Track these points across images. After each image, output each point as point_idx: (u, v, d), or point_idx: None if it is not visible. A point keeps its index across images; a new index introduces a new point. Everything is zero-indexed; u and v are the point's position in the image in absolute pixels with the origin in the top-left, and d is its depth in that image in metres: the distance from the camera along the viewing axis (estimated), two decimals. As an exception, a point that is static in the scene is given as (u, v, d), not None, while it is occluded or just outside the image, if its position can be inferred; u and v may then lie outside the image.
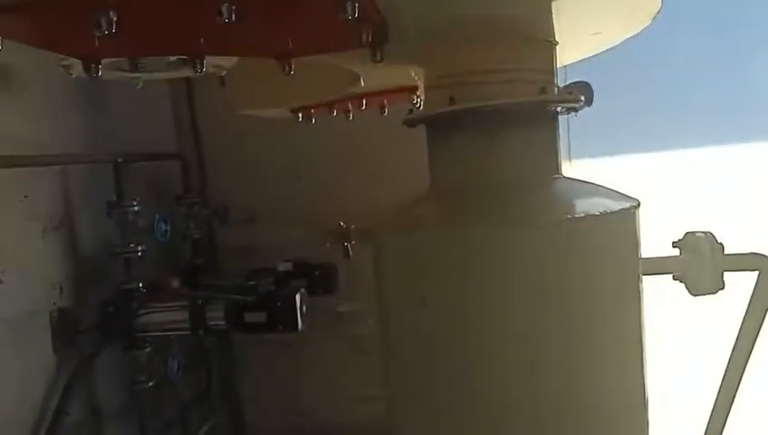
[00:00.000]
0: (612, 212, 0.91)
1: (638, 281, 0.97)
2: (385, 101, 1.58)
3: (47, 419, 1.90)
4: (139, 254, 2.18)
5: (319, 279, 2.60)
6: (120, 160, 2.14)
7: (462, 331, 0.91)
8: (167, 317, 2.17)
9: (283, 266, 2.57)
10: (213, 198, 2.83)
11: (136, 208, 2.15)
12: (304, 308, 2.18)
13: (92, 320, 2.10)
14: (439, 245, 0.90)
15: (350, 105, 1.58)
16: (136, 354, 2.19)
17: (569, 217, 0.88)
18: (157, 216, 2.21)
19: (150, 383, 2.22)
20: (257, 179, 2.92)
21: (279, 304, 2.08)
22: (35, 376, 1.90)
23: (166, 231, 2.24)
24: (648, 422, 0.99)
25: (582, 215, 0.89)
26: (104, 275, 2.24)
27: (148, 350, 2.21)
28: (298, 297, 2.12)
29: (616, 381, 1.00)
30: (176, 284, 2.35)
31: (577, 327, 0.89)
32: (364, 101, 1.51)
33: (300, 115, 1.57)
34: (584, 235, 0.88)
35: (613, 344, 0.93)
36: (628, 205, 0.95)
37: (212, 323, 2.15)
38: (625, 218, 0.94)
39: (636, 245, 0.97)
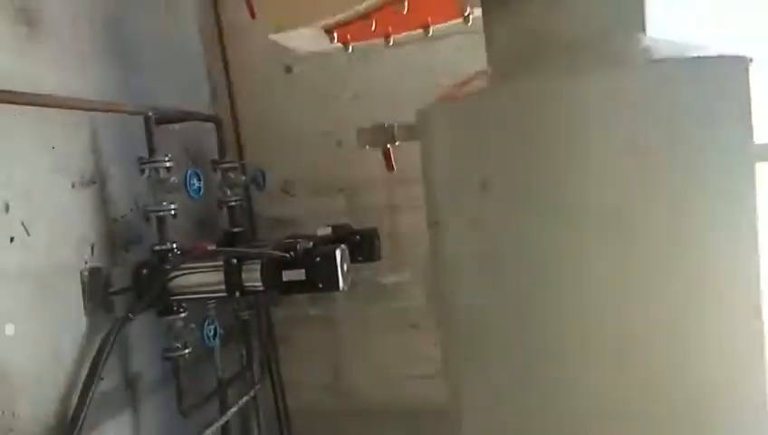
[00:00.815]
0: (710, 59, 0.71)
1: (749, 161, 0.76)
2: (429, 19, 1.42)
3: (80, 381, 1.81)
4: (173, 213, 2.07)
5: (360, 245, 2.44)
6: (150, 114, 2.04)
7: (537, 216, 0.73)
8: (201, 279, 2.05)
9: (322, 232, 2.43)
10: (250, 164, 2.72)
11: (168, 164, 2.04)
12: (345, 267, 2.03)
13: (125, 282, 2.01)
14: (504, 108, 0.73)
15: (390, 26, 1.42)
16: (170, 320, 2.09)
17: (654, 59, 0.69)
18: (189, 170, 2.10)
19: (186, 351, 2.11)
20: (296, 146, 2.80)
21: (318, 259, 1.93)
22: (67, 336, 1.81)
23: (199, 188, 2.13)
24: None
25: (671, 59, 0.69)
26: (138, 238, 2.16)
27: (183, 315, 2.10)
28: (338, 253, 1.97)
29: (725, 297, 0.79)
30: (211, 249, 2.24)
31: (673, 203, 0.70)
32: (405, 14, 1.35)
33: (335, 37, 1.42)
34: (673, 81, 0.69)
35: (720, 235, 0.73)
36: (733, 60, 0.75)
37: (248, 284, 2.02)
38: (729, 73, 0.74)
39: (746, 110, 0.76)
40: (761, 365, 0.77)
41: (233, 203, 2.56)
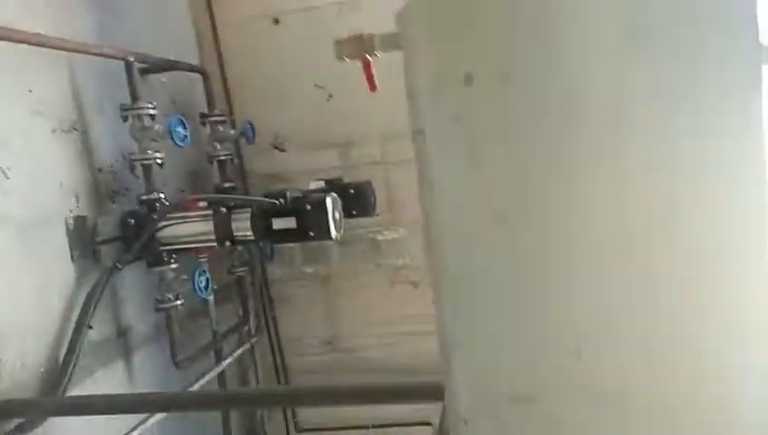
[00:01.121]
0: None
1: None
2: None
3: (69, 330, 1.78)
4: (159, 161, 2.03)
5: (354, 199, 2.40)
6: (131, 59, 1.98)
7: (528, 103, 0.68)
8: (190, 229, 2.02)
9: (315, 185, 2.39)
10: (239, 118, 2.66)
11: (151, 111, 1.99)
12: (337, 215, 1.99)
13: (112, 232, 1.97)
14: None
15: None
16: (161, 271, 2.06)
17: None
18: (172, 118, 2.04)
19: (179, 302, 2.09)
20: (286, 100, 2.74)
21: (309, 207, 1.89)
22: (53, 286, 1.78)
23: (185, 136, 2.08)
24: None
25: None
26: (125, 189, 2.12)
27: (174, 266, 2.07)
28: (329, 200, 1.92)
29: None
30: (203, 205, 2.20)
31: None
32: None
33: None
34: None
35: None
36: None
37: (238, 233, 1.98)
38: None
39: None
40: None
41: (223, 157, 2.51)
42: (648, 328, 0.70)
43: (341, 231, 2.01)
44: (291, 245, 2.89)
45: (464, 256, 0.80)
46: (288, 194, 1.91)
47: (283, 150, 2.78)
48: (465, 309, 0.82)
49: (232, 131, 2.52)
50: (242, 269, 2.62)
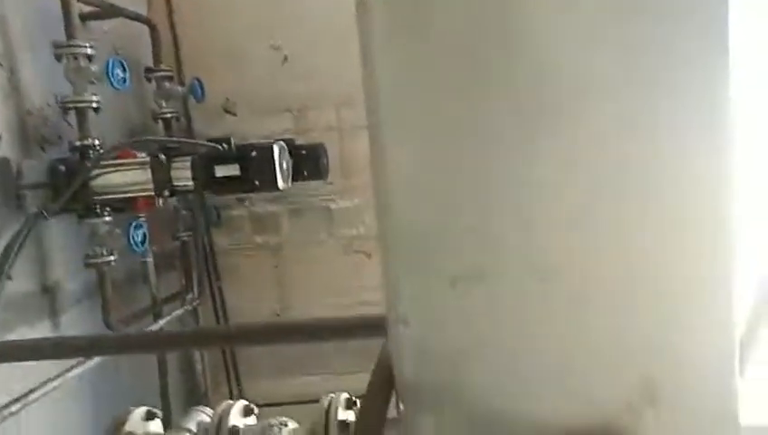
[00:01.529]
0: None
1: None
2: None
3: (-16, 279, 1.64)
4: (94, 106, 1.90)
5: (305, 160, 2.31)
6: (67, -7, 1.85)
7: None
8: (126, 178, 1.90)
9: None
10: (187, 77, 2.54)
11: (89, 51, 1.86)
12: (285, 164, 1.90)
13: (39, 177, 1.83)
14: None
15: None
16: (93, 224, 1.92)
17: None
18: (110, 59, 1.92)
19: (111, 258, 1.95)
20: (238, 60, 2.63)
21: (254, 153, 1.80)
22: (-32, 229, 1.64)
23: (123, 79, 1.96)
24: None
25: None
26: (56, 138, 1.98)
27: (107, 219, 1.94)
28: (276, 147, 1.83)
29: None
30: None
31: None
32: None
33: None
34: None
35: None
36: None
37: (179, 183, 1.87)
38: None
39: None
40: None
41: (168, 115, 2.39)
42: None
43: (289, 183, 1.92)
44: (239, 212, 2.78)
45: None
46: (232, 141, 1.81)
47: (234, 114, 2.67)
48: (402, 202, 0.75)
49: (179, 88, 2.40)
50: (186, 234, 2.49)
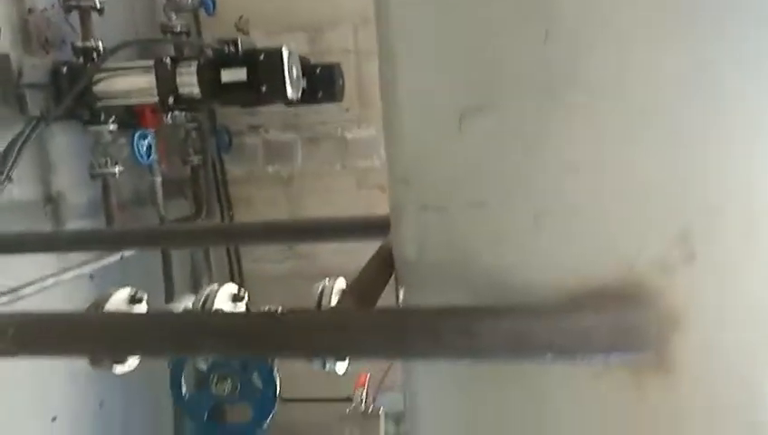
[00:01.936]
0: None
1: None
2: None
3: (-17, 178, 1.58)
4: (98, 6, 1.81)
5: (320, 80, 2.20)
6: None
7: None
8: (130, 82, 1.81)
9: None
10: (198, -9, 2.42)
11: (91, -54, 1.76)
12: (295, 73, 1.79)
13: (41, 78, 1.76)
14: None
15: None
16: (97, 131, 1.85)
17: None
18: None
19: (117, 169, 1.89)
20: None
21: (262, 57, 1.69)
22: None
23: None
24: None
25: None
26: (60, 41, 1.89)
27: (112, 127, 1.86)
28: (285, 51, 1.73)
29: None
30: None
31: None
32: None
33: None
34: None
35: None
36: None
37: (184, 89, 1.78)
38: None
39: None
40: None
41: (178, 29, 2.28)
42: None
43: (299, 91, 1.82)
44: (252, 140, 2.70)
45: None
46: (240, 42, 1.71)
47: (246, 33, 2.55)
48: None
49: (189, 0, 2.29)
50: (197, 158, 2.42)
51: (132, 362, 0.87)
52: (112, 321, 0.59)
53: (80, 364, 2.01)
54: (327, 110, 2.47)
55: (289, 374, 2.62)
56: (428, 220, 0.62)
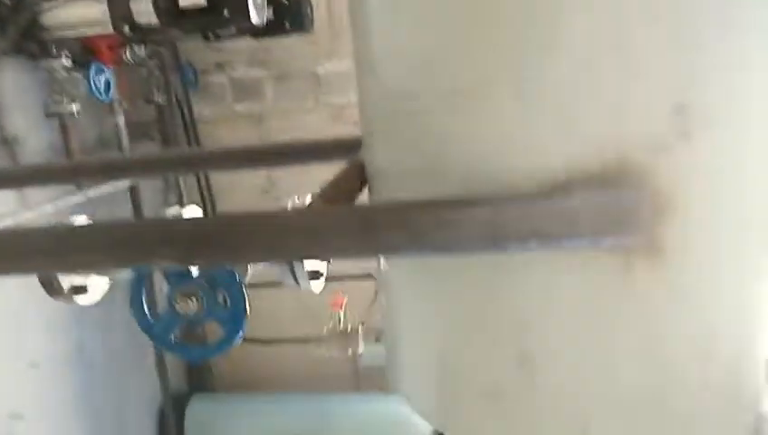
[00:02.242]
0: None
1: None
2: None
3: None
4: (38, -74, 1.66)
5: (287, 10, 2.08)
6: None
7: None
8: (81, 13, 1.68)
9: None
10: None
11: None
12: (259, -2, 1.69)
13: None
14: None
15: None
16: (49, 66, 1.73)
17: None
18: None
19: (74, 107, 1.78)
20: None
21: (222, -21, 1.58)
22: None
23: None
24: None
25: None
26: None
27: (65, 63, 1.75)
28: (247, -28, 1.61)
29: None
30: None
31: None
32: None
33: None
34: None
35: None
36: None
37: (140, 17, 1.65)
38: None
39: None
40: None
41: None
42: None
43: (264, 19, 1.72)
44: (219, 79, 2.58)
45: None
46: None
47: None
48: None
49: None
50: (162, 97, 2.31)
51: (93, 292, 0.82)
52: (55, 232, 0.53)
53: (58, 309, 1.97)
54: (296, 44, 2.36)
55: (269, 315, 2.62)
56: (399, 115, 0.57)
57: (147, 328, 0.63)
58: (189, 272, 0.63)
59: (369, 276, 2.50)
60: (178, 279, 0.61)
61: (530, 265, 0.50)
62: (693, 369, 0.54)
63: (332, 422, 2.35)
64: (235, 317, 0.61)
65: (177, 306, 0.61)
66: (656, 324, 0.52)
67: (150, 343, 2.21)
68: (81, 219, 0.85)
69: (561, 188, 0.47)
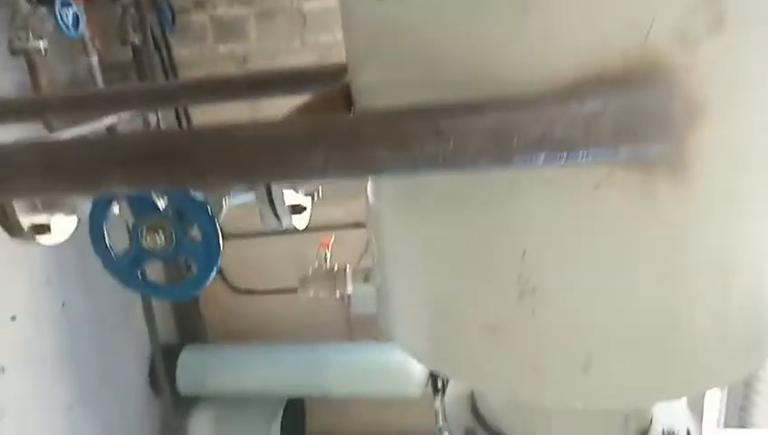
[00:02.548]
0: None
1: None
2: None
3: None
4: None
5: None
6: None
7: None
8: (42, -62, 1.55)
9: None
10: None
11: None
12: None
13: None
14: None
15: None
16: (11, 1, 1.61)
17: None
18: None
19: (41, 43, 1.66)
20: None
21: None
22: None
23: None
24: None
25: None
26: None
27: (29, -5, 1.62)
28: None
29: None
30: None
31: None
32: None
33: None
34: None
35: None
36: None
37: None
38: None
39: None
40: None
41: None
42: None
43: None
44: (198, 18, 2.44)
45: None
46: None
47: None
48: None
49: None
50: (137, 37, 2.17)
51: (58, 232, 0.76)
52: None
53: (40, 263, 1.91)
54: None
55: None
56: (390, 20, 0.49)
57: (110, 264, 0.57)
58: (155, 204, 0.56)
59: (359, 225, 2.44)
60: (144, 211, 0.55)
61: (534, 188, 0.44)
62: (710, 299, 0.48)
63: (325, 371, 2.34)
64: (208, 253, 0.55)
65: (144, 241, 0.54)
66: (674, 251, 0.46)
67: (138, 297, 2.17)
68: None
69: (576, 89, 0.40)
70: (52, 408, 1.92)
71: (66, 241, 1.99)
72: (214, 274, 0.56)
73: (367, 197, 0.61)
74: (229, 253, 2.64)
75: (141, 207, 0.55)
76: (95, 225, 0.55)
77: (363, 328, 2.54)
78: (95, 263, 0.64)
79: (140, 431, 2.39)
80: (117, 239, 0.64)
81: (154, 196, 0.56)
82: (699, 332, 0.49)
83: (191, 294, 0.65)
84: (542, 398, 0.51)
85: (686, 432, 0.71)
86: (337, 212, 2.48)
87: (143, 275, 0.59)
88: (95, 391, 2.12)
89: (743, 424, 1.72)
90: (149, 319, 2.16)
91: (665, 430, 0.70)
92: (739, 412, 1.73)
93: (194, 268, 0.56)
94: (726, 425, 1.73)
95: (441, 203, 0.52)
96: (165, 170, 0.43)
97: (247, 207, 0.71)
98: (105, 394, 2.18)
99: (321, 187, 0.74)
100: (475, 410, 0.75)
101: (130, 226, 0.56)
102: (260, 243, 2.53)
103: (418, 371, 2.14)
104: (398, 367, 2.20)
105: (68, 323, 1.98)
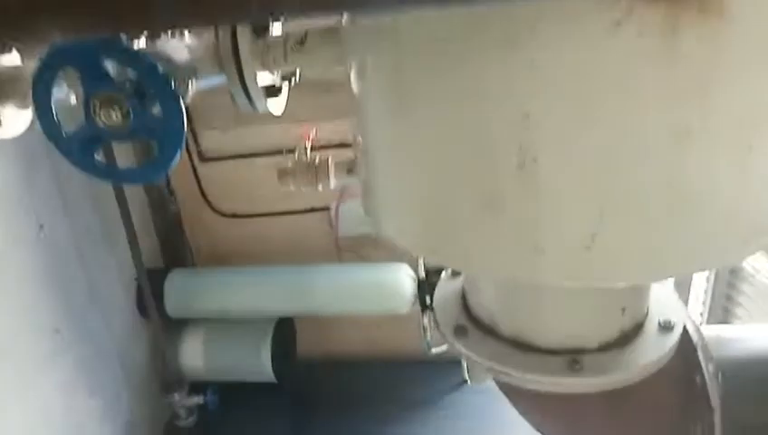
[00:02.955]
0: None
1: None
2: None
3: None
4: None
5: None
6: None
7: None
8: None
9: None
10: None
11: None
12: None
13: None
14: None
15: None
16: None
17: None
18: None
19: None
20: None
21: None
22: None
23: None
24: None
25: None
26: None
27: None
28: None
29: None
30: None
31: None
32: None
33: None
34: None
35: None
36: None
37: None
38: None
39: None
40: None
41: None
42: None
43: None
44: None
45: None
46: None
47: None
48: None
49: None
50: None
51: (9, 125, 0.68)
52: None
53: (13, 182, 1.82)
54: None
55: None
56: None
57: (59, 143, 0.51)
58: (107, 73, 0.49)
59: (346, 145, 2.37)
60: (94, 82, 0.48)
61: (541, 31, 0.38)
62: (730, 163, 0.44)
63: (314, 293, 2.32)
64: (171, 132, 0.48)
65: (98, 118, 0.48)
66: (694, 100, 0.41)
67: (121, 221, 2.10)
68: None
69: None
70: (37, 330, 1.89)
71: (40, 163, 1.89)
72: (178, 156, 0.50)
73: (350, 85, 0.54)
74: (212, 176, 2.58)
75: (92, 77, 0.48)
76: (40, 92, 0.48)
77: (351, 251, 2.51)
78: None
79: (131, 355, 2.40)
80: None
81: (107, 64, 0.49)
82: (712, 201, 0.45)
83: (153, 178, 0.59)
84: (542, 277, 0.47)
85: (682, 325, 0.69)
86: (325, 130, 2.39)
87: (103, 157, 0.53)
88: (82, 316, 2.10)
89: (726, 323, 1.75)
90: (132, 242, 2.11)
91: (661, 321, 0.68)
92: (722, 313, 1.76)
93: (156, 149, 0.50)
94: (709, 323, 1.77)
95: (431, 66, 0.46)
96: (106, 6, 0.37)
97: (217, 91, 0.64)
98: (93, 318, 2.16)
99: (298, 70, 0.67)
100: (465, 308, 0.72)
101: (81, 100, 0.50)
102: (244, 164, 2.46)
103: (407, 288, 2.13)
104: (387, 284, 2.19)
105: (46, 249, 1.92)
